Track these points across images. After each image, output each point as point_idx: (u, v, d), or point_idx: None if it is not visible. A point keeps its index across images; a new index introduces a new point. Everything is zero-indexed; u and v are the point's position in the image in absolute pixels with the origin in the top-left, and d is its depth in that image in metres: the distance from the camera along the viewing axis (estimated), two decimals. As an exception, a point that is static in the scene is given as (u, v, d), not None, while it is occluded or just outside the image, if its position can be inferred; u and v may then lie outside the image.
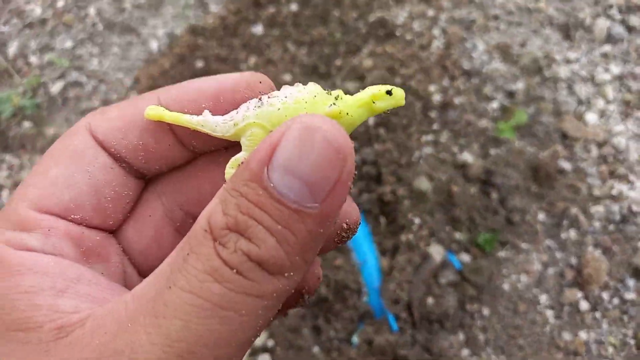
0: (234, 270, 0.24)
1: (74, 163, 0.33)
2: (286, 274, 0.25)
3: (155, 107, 0.33)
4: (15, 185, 1.30)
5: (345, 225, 0.31)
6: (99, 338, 0.26)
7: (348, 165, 0.24)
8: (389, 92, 0.32)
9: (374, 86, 0.32)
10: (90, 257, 0.33)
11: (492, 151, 1.25)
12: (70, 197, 0.32)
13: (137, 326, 0.25)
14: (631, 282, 1.15)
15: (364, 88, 1.14)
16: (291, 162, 0.23)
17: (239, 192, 0.24)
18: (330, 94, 0.32)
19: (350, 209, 0.32)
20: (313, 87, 0.32)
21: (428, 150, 1.19)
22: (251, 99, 0.33)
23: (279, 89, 0.34)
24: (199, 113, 0.34)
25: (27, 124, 1.33)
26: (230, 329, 0.24)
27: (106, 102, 1.33)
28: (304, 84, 0.34)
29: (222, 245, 0.24)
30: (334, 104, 0.32)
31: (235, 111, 0.33)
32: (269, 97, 0.31)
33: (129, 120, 0.34)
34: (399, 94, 0.32)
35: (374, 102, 0.32)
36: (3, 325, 0.28)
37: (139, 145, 0.34)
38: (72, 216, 0.32)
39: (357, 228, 0.32)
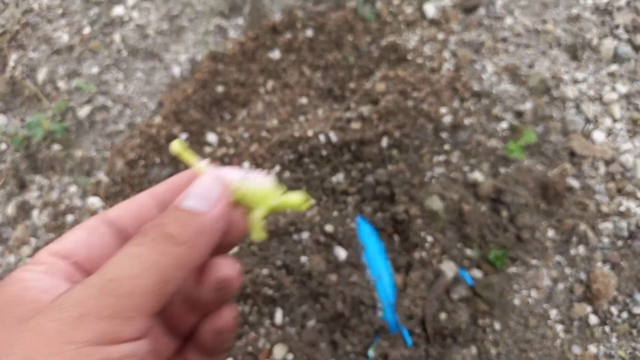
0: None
1: (87, 230, 0.42)
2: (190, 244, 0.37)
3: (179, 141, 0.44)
4: (45, 205, 1.37)
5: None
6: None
7: (225, 196, 0.40)
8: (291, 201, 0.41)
9: (286, 198, 0.41)
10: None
11: (502, 170, 1.30)
12: (80, 249, 0.41)
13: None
14: (639, 297, 1.18)
15: (377, 112, 1.21)
16: (194, 193, 0.39)
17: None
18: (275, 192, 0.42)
19: (235, 222, 0.42)
20: (269, 183, 0.41)
21: (440, 170, 1.24)
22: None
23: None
24: None
25: (56, 147, 1.40)
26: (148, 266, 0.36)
27: (131, 126, 1.40)
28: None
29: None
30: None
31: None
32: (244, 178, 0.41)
33: (137, 205, 0.45)
34: (302, 205, 0.42)
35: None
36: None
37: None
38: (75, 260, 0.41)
39: (240, 239, 0.45)
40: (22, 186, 1.44)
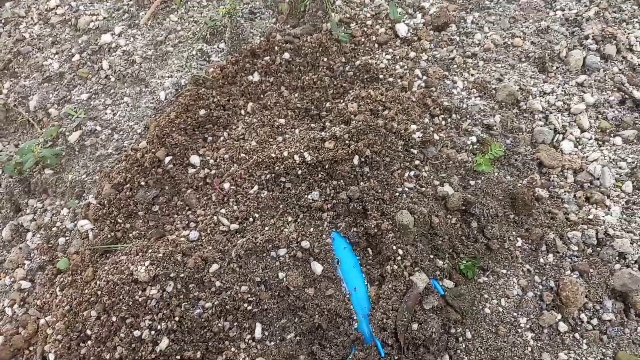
0: None
1: None
2: None
3: None
4: (39, 228, 1.43)
5: None
6: None
7: None
8: None
9: None
10: None
11: (472, 182, 1.34)
12: None
13: None
14: (609, 304, 1.22)
15: (349, 132, 1.30)
16: None
17: None
18: None
19: None
20: None
21: (410, 185, 1.29)
22: None
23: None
24: None
25: (48, 172, 1.47)
26: None
27: (119, 149, 1.47)
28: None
29: None
30: None
31: None
32: None
33: None
34: None
35: None
36: None
37: None
38: None
39: None
40: (17, 210, 1.50)
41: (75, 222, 1.38)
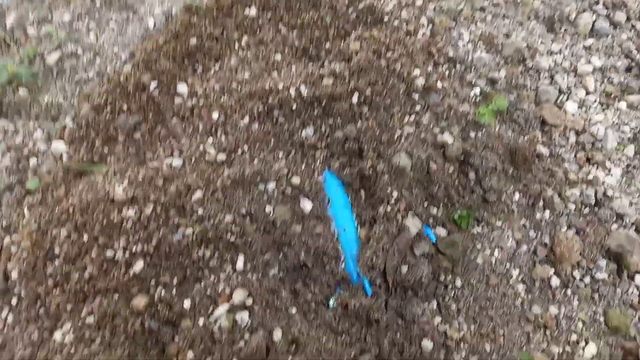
0: None
1: None
2: None
3: None
4: (9, 149, 1.33)
5: None
6: None
7: None
8: None
9: None
10: None
11: (472, 134, 1.29)
12: None
13: None
14: (603, 263, 1.19)
15: (350, 69, 1.22)
16: None
17: None
18: None
19: None
20: None
21: (409, 129, 1.23)
22: None
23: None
24: None
25: (22, 92, 1.36)
26: None
27: (101, 74, 1.37)
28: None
29: None
30: None
31: None
32: None
33: None
34: None
35: None
36: None
37: None
38: None
39: None
40: (-14, 132, 1.40)
41: (49, 144, 1.28)
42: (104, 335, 1.00)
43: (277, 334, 0.99)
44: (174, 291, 1.03)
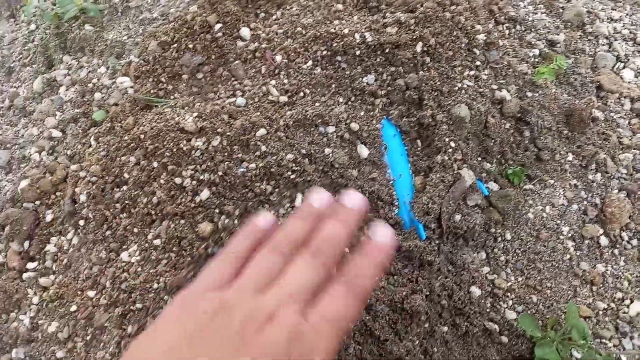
0: None
1: None
2: None
3: None
4: (73, 83, 1.37)
5: None
6: None
7: None
8: None
9: None
10: None
11: (529, 94, 1.30)
12: None
13: None
14: (651, 228, 1.20)
15: (415, 18, 1.24)
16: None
17: None
18: None
19: None
20: None
21: (469, 83, 1.24)
22: None
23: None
24: None
25: (88, 27, 1.40)
26: None
27: (165, 15, 1.40)
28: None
29: None
30: None
31: None
32: None
33: None
34: None
35: None
36: None
37: None
38: None
39: None
40: (50, 66, 1.44)
41: (114, 79, 1.32)
42: (169, 257, 1.05)
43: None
44: (236, 221, 1.07)
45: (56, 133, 1.28)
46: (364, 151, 1.17)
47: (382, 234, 0.55)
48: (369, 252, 0.55)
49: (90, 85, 1.34)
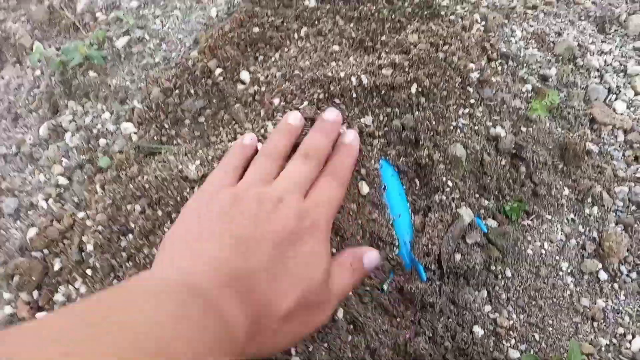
0: None
1: None
2: None
3: None
4: (79, 129, 1.41)
5: None
6: None
7: None
8: None
9: None
10: None
11: (523, 129, 1.32)
12: None
13: None
14: (649, 260, 1.22)
15: (409, 60, 1.29)
16: None
17: None
18: None
19: None
20: None
21: (464, 121, 1.27)
22: None
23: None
24: None
25: (92, 74, 1.44)
26: None
27: (166, 60, 1.44)
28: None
29: None
30: None
31: None
32: None
33: None
34: None
35: None
36: None
37: None
38: None
39: None
40: (55, 111, 1.48)
41: (118, 125, 1.35)
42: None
43: (339, 314, 1.05)
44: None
45: (63, 180, 1.31)
46: (364, 188, 1.19)
47: (350, 136, 0.94)
48: (342, 150, 0.86)
49: (95, 131, 1.37)
